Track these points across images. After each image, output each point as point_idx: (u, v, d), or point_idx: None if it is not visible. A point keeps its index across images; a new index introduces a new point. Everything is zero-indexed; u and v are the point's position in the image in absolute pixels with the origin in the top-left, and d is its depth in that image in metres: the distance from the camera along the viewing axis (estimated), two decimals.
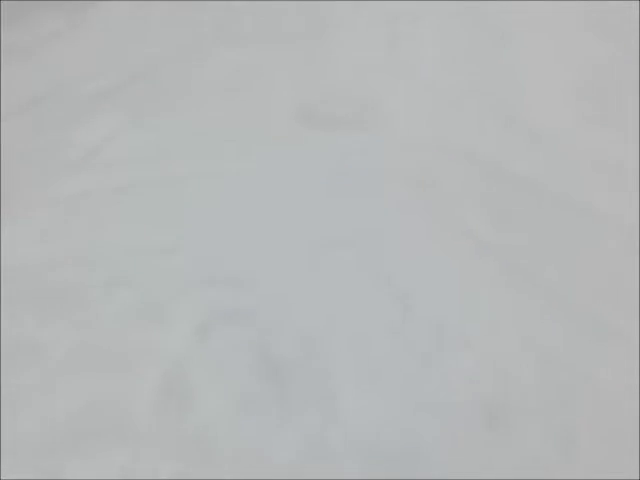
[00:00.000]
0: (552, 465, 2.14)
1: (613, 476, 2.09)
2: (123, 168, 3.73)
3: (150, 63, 4.97)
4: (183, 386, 2.45)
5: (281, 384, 2.44)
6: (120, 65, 4.91)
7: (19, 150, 3.88)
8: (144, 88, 4.59)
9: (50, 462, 2.22)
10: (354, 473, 2.16)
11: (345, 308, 2.74)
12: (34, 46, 5.16)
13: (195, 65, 4.96)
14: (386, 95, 4.44)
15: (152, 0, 6.16)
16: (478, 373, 2.44)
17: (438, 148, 3.82)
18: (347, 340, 2.59)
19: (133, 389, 2.44)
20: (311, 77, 4.72)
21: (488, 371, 2.45)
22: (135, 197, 3.49)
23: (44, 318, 2.76)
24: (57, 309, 2.80)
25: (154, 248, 3.12)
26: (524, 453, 2.19)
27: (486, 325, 2.63)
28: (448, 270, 2.93)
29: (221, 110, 4.31)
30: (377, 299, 2.78)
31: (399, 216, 3.27)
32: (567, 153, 3.69)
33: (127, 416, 2.35)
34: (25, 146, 3.92)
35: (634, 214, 3.19)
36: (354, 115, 4.21)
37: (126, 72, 4.80)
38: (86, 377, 2.50)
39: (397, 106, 4.30)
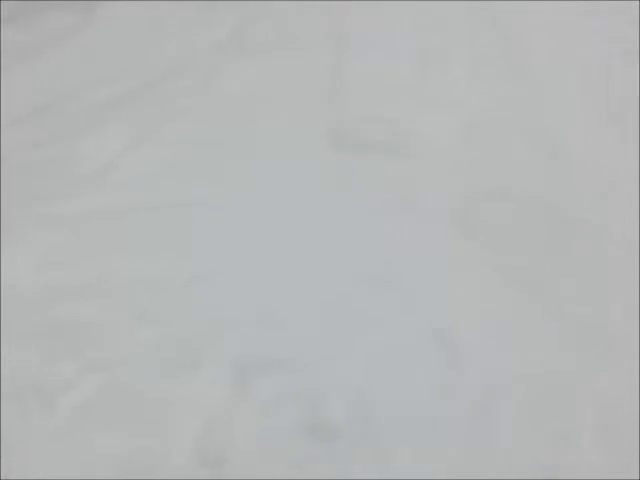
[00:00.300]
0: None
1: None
2: (133, 187, 3.43)
3: (161, 69, 4.69)
4: (223, 442, 2.12)
5: (331, 443, 2.13)
6: (129, 71, 4.63)
7: (19, 165, 3.57)
8: (155, 97, 4.31)
9: None
10: None
11: (391, 358, 2.45)
12: (36, 49, 4.89)
13: (209, 73, 4.67)
14: (417, 117, 4.17)
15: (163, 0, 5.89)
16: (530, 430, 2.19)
17: (471, 176, 3.56)
18: (397, 397, 2.30)
19: (165, 444, 2.10)
20: (336, 94, 4.46)
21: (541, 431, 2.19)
22: (149, 220, 3.18)
23: (51, 358, 2.42)
24: (66, 348, 2.46)
25: (173, 279, 2.80)
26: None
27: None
28: (489, 312, 2.67)
29: (239, 124, 4.01)
30: (423, 346, 2.51)
31: (437, 252, 3.00)
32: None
33: (158, 475, 2.00)
34: (25, 160, 3.62)
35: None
36: (385, 139, 3.93)
37: (136, 79, 4.51)
38: (104, 431, 2.14)
39: (429, 130, 4.03)
